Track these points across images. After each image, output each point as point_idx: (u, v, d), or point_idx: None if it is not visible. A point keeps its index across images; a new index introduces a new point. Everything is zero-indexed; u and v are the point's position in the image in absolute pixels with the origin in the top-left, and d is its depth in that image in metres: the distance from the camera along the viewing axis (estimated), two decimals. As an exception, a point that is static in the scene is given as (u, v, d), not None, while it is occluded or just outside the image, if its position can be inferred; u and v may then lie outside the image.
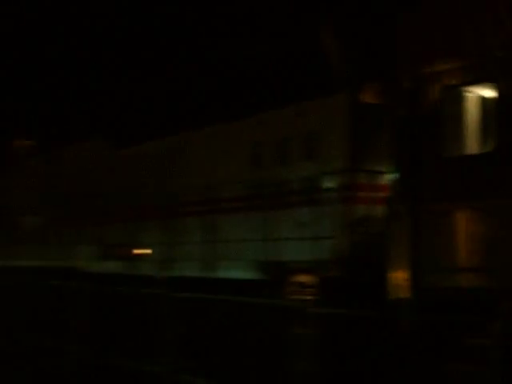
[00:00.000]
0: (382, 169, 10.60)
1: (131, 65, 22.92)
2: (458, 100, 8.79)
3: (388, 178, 10.46)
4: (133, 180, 16.39)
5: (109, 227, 17.08)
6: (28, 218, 21.72)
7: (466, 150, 8.65)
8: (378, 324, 8.28)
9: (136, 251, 16.02)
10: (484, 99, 8.73)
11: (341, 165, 11.32)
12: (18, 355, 13.50)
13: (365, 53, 11.53)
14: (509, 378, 6.48)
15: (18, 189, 22.57)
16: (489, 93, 8.51)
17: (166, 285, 13.72)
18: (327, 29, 11.84)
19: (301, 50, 12.52)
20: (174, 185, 14.79)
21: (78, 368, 12.08)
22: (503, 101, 7.92)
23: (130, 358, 11.40)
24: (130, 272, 15.66)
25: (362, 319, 8.39)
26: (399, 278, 9.37)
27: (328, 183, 11.38)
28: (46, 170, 20.98)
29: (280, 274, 11.65)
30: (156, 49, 22.79)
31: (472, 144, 8.69)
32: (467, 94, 8.81)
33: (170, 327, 10.54)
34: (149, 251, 15.45)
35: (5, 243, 22.64)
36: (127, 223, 16.39)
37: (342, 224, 11.07)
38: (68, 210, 19.24)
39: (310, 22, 12.67)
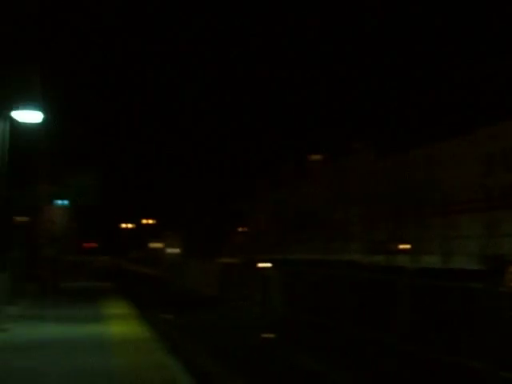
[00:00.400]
0: None
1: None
2: None
3: None
4: (394, 185, 19.25)
5: (378, 225, 20.13)
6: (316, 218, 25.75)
7: None
8: None
9: (401, 246, 18.81)
10: None
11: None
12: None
13: None
14: None
15: (312, 195, 26.84)
16: None
17: (415, 275, 16.30)
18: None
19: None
20: (422, 190, 17.35)
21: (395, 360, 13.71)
22: None
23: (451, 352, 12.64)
24: (387, 264, 18.57)
25: None
26: None
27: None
28: (331, 179, 24.84)
29: (500, 265, 13.68)
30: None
31: None
32: None
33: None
34: (408, 246, 18.17)
35: (299, 240, 27.15)
36: (392, 222, 19.26)
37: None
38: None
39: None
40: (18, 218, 24.09)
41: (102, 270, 56.59)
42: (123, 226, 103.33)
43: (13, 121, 17.69)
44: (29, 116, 17.19)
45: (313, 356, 14.53)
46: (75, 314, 20.12)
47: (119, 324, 17.62)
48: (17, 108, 17.05)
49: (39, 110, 17.37)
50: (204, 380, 11.95)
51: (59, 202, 43.55)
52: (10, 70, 23.65)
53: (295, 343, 16.44)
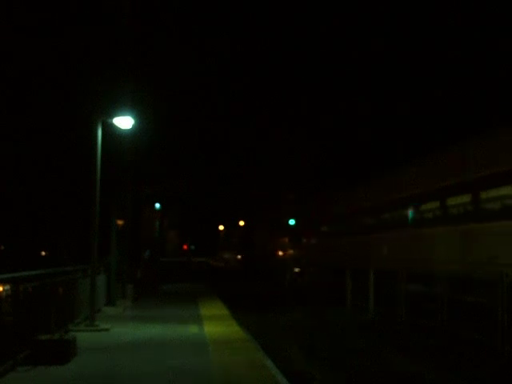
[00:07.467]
0: None
1: None
2: None
3: None
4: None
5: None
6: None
7: None
8: None
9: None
10: None
11: None
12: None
13: None
14: None
15: None
16: None
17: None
18: None
19: None
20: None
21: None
22: None
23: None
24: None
25: None
26: None
27: None
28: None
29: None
30: None
31: None
32: None
33: None
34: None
35: None
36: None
37: None
38: None
39: None
40: (118, 221, 24.83)
41: (197, 270, 57.61)
42: (220, 228, 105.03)
43: (108, 127, 18.29)
44: (120, 122, 17.70)
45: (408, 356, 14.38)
46: (171, 315, 20.55)
47: (214, 324, 17.88)
48: (109, 115, 17.61)
49: (130, 115, 17.87)
50: (300, 379, 11.95)
51: (157, 204, 44.74)
52: (104, 80, 24.46)
53: (389, 344, 16.21)
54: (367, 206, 27.59)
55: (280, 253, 47.81)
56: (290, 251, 45.13)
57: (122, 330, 16.71)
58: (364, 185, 29.15)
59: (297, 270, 42.59)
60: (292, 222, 44.65)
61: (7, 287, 11.40)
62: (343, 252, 30.63)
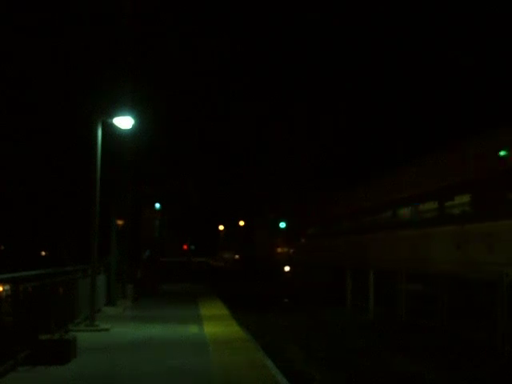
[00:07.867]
0: None
1: None
2: None
3: None
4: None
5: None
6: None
7: None
8: None
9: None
10: None
11: None
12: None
13: None
14: None
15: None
16: None
17: None
18: None
19: None
20: None
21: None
22: None
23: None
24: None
25: None
26: None
27: None
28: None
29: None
30: None
31: None
32: None
33: None
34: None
35: None
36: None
37: None
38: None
39: None
40: (118, 221, 24.84)
41: (197, 270, 57.62)
42: (220, 228, 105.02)
43: (108, 127, 18.30)
44: (120, 122, 17.71)
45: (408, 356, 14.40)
46: (171, 315, 20.56)
47: (214, 324, 17.89)
48: (109, 115, 17.61)
49: (130, 115, 17.88)
50: (300, 379, 11.95)
51: (157, 204, 44.73)
52: (104, 80, 24.45)
53: (389, 344, 16.21)
54: (365, 206, 27.60)
55: (278, 252, 48.28)
56: (285, 250, 45.89)
57: (122, 329, 16.71)
58: (364, 185, 29.21)
59: (287, 268, 43.93)
60: (283, 224, 45.65)
61: (7, 287, 11.40)
62: (340, 251, 30.81)
